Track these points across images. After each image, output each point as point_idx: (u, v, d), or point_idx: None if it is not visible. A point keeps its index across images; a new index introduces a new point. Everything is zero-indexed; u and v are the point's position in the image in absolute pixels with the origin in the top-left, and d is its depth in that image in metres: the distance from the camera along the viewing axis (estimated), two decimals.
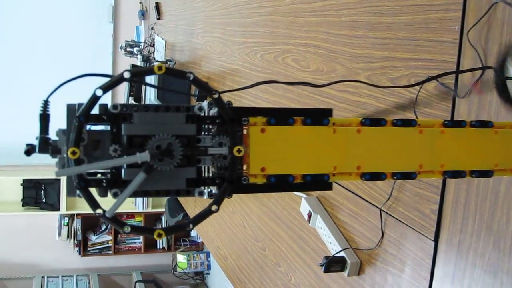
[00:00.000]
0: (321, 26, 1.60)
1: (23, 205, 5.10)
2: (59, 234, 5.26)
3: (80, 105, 0.61)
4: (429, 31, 1.17)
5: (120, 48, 4.15)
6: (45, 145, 0.63)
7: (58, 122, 0.64)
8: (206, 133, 0.66)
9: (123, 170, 0.62)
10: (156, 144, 0.62)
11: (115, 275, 5.61)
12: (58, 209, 5.11)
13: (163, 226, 0.69)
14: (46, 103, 0.63)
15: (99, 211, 0.58)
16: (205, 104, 0.65)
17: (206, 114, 0.66)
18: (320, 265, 1.40)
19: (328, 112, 0.66)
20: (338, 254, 1.40)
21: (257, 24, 2.10)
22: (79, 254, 5.37)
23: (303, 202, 1.59)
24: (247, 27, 2.21)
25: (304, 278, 1.68)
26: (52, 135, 0.64)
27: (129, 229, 0.59)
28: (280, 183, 0.64)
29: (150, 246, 5.66)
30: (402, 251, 1.24)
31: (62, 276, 5.33)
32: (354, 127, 0.67)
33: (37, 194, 5.08)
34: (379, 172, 0.67)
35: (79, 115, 0.60)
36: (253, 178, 0.64)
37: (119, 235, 5.51)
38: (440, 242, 1.13)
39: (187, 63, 3.07)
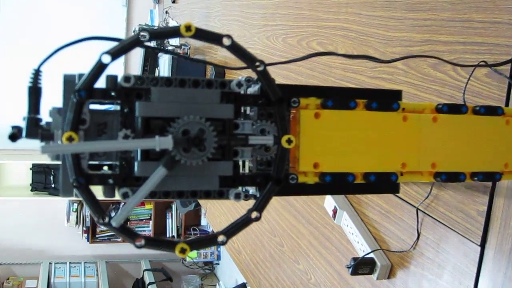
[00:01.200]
0: (352, 7, 1.47)
1: (32, 190, 5.02)
2: (68, 220, 5.18)
3: (80, 76, 0.47)
4: (480, 11, 1.04)
5: (133, 32, 4.03)
6: (34, 128, 0.48)
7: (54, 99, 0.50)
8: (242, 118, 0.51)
9: (135, 164, 0.47)
10: (183, 128, 0.46)
11: (124, 262, 5.53)
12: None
13: (188, 239, 0.53)
14: (37, 73, 0.49)
15: (103, 218, 0.44)
16: (243, 79, 0.50)
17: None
18: (347, 267, 1.28)
19: (397, 94, 0.52)
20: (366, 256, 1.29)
21: (279, 5, 1.97)
22: (88, 241, 5.29)
23: (328, 197, 1.47)
24: (267, 9, 2.08)
25: (325, 278, 1.57)
26: (45, 116, 0.49)
27: (143, 242, 0.45)
28: (337, 184, 0.49)
29: (159, 235, 5.56)
30: (441, 255, 1.12)
31: (70, 262, 5.25)
32: (428, 114, 0.53)
33: (46, 179, 4.99)
34: (458, 171, 0.54)
35: (79, 89, 0.45)
36: (302, 177, 0.50)
37: (128, 223, 5.41)
38: (488, 248, 1.01)
39: (203, 47, 2.95)
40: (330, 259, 1.54)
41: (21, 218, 5.14)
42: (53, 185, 4.99)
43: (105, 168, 0.51)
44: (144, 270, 5.22)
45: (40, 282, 4.87)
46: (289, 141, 0.47)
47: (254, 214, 0.47)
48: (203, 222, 5.55)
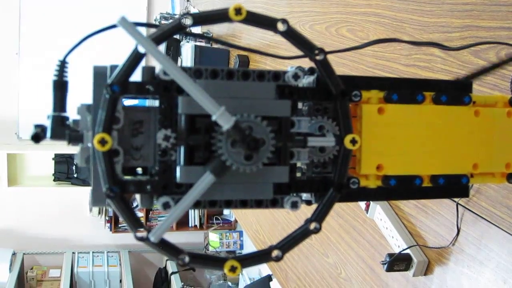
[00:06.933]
0: None
1: (54, 180, 5.03)
2: (90, 210, 5.18)
3: (113, 68, 0.41)
4: None
5: (155, 20, 3.99)
6: (60, 128, 0.43)
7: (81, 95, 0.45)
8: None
9: (177, 168, 0.41)
10: (248, 123, 0.41)
11: (146, 252, 5.52)
12: (90, 185, 5.00)
13: (239, 255, 0.47)
14: (62, 65, 0.43)
15: (141, 232, 0.39)
16: (296, 69, 0.45)
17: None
18: (383, 263, 1.23)
19: (467, 86, 0.47)
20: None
21: None
22: (110, 230, 5.28)
23: None
24: None
25: (357, 272, 1.52)
26: (73, 113, 0.44)
27: (187, 259, 0.40)
28: (402, 188, 0.44)
29: (182, 224, 5.54)
30: (483, 252, 1.06)
31: (93, 252, 5.26)
32: (502, 108, 0.48)
33: (69, 169, 4.99)
34: None
35: (112, 83, 0.40)
36: (363, 180, 0.45)
37: (150, 212, 5.39)
38: None
39: (226, 35, 2.89)
40: (361, 254, 1.49)
41: (44, 208, 5.15)
42: (75, 175, 4.99)
43: (139, 169, 0.46)
44: (167, 260, 5.21)
45: (63, 272, 4.88)
46: (353, 142, 0.42)
47: (313, 225, 0.42)
48: (226, 211, 5.52)
